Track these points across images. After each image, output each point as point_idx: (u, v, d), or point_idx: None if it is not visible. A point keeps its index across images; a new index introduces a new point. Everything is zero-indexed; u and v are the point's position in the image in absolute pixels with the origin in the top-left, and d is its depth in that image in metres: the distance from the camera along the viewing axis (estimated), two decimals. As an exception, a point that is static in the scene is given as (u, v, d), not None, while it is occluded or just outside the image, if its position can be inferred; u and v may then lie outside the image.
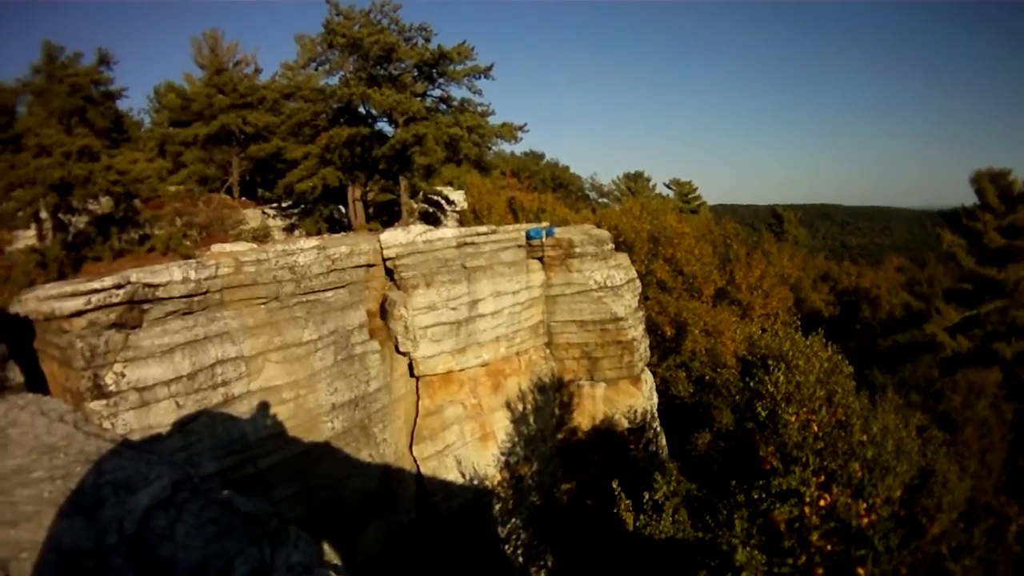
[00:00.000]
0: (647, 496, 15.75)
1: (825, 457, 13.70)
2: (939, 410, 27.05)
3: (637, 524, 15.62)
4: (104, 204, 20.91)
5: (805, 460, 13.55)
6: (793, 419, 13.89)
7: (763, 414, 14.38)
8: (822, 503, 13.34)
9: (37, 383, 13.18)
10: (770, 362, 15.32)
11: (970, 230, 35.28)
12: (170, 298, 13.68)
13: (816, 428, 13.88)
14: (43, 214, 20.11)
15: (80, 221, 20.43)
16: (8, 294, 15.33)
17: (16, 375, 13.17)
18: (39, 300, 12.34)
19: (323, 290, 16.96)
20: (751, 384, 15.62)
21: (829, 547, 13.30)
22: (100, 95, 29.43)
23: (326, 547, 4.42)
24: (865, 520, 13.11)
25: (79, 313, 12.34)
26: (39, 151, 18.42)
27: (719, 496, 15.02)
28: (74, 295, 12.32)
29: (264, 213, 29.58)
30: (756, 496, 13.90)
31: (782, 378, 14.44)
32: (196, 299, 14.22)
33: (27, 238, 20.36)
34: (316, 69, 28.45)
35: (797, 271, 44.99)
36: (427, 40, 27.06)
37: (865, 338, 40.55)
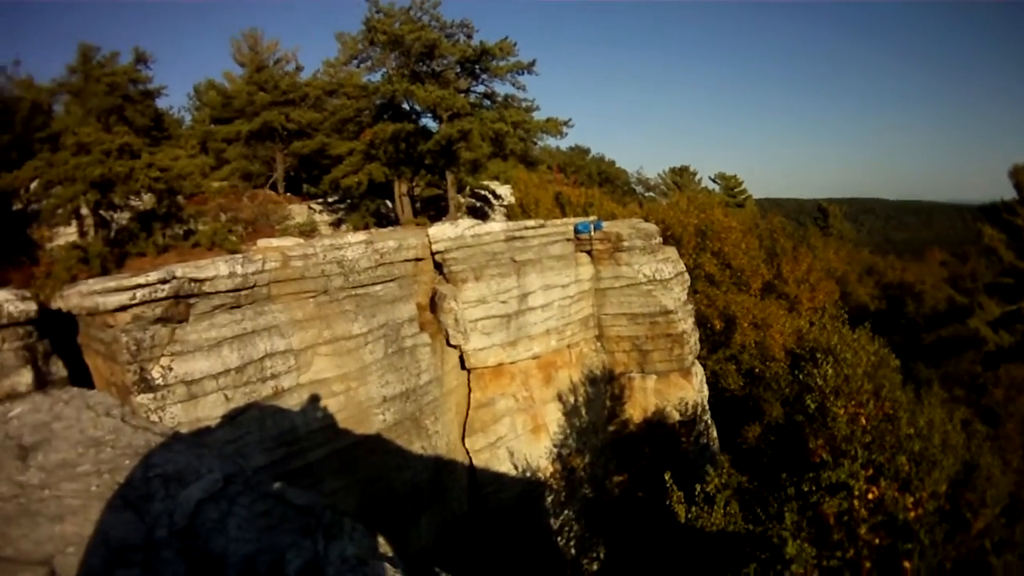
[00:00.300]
0: (699, 488, 15.62)
1: (873, 450, 13.56)
2: (982, 404, 26.71)
3: (689, 516, 15.50)
4: (147, 200, 21.03)
5: (854, 453, 13.40)
6: (842, 412, 13.77)
7: (812, 407, 14.27)
8: (870, 496, 13.18)
9: (81, 378, 13.20)
10: (818, 355, 15.14)
11: (1010, 224, 34.79)
12: (216, 292, 13.63)
13: (864, 421, 13.76)
14: (84, 211, 20.21)
15: (122, 217, 20.55)
16: (50, 290, 15.39)
17: (59, 370, 13.15)
18: (82, 295, 12.38)
19: (372, 284, 16.92)
20: (800, 377, 15.46)
21: (877, 540, 13.13)
22: (138, 94, 29.80)
23: (380, 539, 4.34)
24: (912, 514, 12.94)
25: (123, 308, 12.32)
26: (78, 149, 18.52)
27: (769, 489, 14.91)
28: (118, 290, 12.30)
29: (310, 208, 29.73)
30: (806, 489, 13.76)
31: (831, 371, 14.31)
32: (243, 293, 14.20)
33: (67, 235, 20.48)
34: (358, 66, 28.54)
35: (843, 265, 44.61)
36: (468, 36, 27.04)
37: (910, 332, 40.08)
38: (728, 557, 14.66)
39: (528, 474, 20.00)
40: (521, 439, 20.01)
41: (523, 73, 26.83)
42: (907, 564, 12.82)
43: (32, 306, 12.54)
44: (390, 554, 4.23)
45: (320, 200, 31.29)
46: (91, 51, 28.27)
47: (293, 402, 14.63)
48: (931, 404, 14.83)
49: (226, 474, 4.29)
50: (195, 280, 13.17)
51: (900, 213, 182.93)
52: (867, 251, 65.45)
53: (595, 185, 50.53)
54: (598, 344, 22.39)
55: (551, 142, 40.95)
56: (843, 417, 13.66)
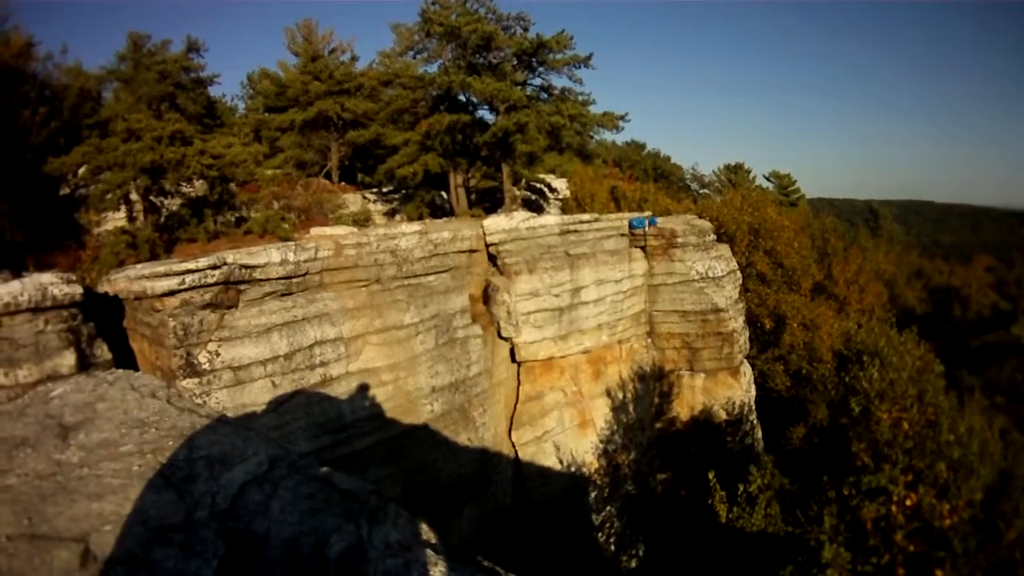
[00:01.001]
0: (742, 488, 15.67)
1: (914, 456, 13.38)
2: (1021, 413, 26.27)
3: (730, 516, 15.57)
4: (198, 187, 21.16)
5: (895, 458, 13.26)
6: (885, 416, 13.64)
7: (856, 410, 14.12)
8: (908, 503, 13.02)
9: (126, 362, 13.31)
10: (865, 358, 15.05)
11: (1058, 232, 34.11)
12: (268, 279, 13.83)
13: (907, 426, 13.59)
14: (133, 196, 20.35)
15: (173, 204, 20.69)
16: (96, 274, 15.54)
17: (103, 353, 13.26)
18: (130, 279, 12.61)
19: (425, 274, 17.05)
20: (846, 379, 15.34)
21: (912, 547, 12.98)
22: (190, 81, 30.21)
23: (424, 526, 4.35)
24: (948, 522, 12.77)
25: (172, 292, 12.52)
26: (128, 135, 18.67)
27: (810, 491, 14.85)
28: (167, 275, 12.50)
29: (364, 198, 29.76)
30: (846, 493, 13.66)
31: (876, 375, 14.26)
32: (295, 280, 14.39)
33: (116, 220, 20.55)
34: (414, 57, 28.52)
35: (892, 267, 44.16)
36: (525, 29, 26.92)
37: (955, 337, 39.55)
38: (765, 559, 14.65)
39: (573, 469, 20.07)
40: (568, 433, 20.07)
41: (580, 67, 26.69)
42: (939, 572, 12.69)
43: (77, 289, 12.72)
44: (434, 541, 4.24)
45: (374, 190, 31.41)
46: (141, 39, 28.70)
47: (341, 390, 14.80)
48: (972, 411, 14.64)
49: (271, 457, 4.33)
50: (246, 267, 13.39)
51: (948, 216, 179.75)
52: (915, 254, 64.49)
53: (650, 180, 49.97)
54: (648, 340, 22.36)
55: (607, 136, 40.89)
56: (886, 421, 13.56)
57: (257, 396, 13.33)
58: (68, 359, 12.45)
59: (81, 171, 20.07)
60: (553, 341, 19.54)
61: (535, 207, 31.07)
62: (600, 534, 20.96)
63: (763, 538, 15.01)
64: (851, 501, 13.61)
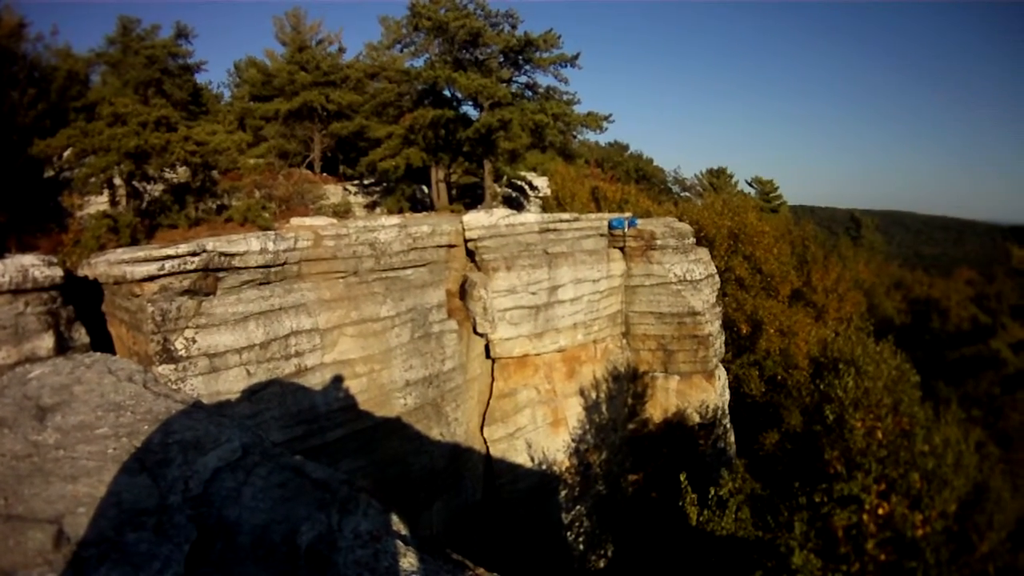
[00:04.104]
0: (712, 492, 15.66)
1: (887, 465, 13.39)
2: (998, 427, 26.49)
3: (700, 519, 15.55)
4: (181, 174, 21.08)
5: (868, 467, 13.28)
6: (859, 425, 13.63)
7: (831, 418, 14.11)
8: (880, 511, 13.05)
9: (103, 346, 13.31)
10: (841, 366, 15.03)
11: (1041, 248, 34.35)
12: (246, 268, 13.83)
13: (881, 435, 13.57)
14: (116, 181, 20.27)
15: (155, 189, 20.59)
16: (77, 257, 15.49)
17: (81, 336, 13.29)
18: (110, 264, 12.58)
19: (403, 268, 17.08)
20: (821, 387, 15.33)
21: (883, 556, 13.02)
22: (178, 68, 30.18)
23: (394, 517, 4.36)
24: (920, 532, 12.81)
25: (151, 278, 12.51)
26: (114, 120, 18.57)
27: (781, 497, 14.83)
28: (147, 260, 12.49)
29: (345, 189, 29.74)
30: (818, 500, 13.65)
31: (851, 383, 14.21)
32: (273, 270, 14.39)
33: (99, 204, 20.48)
34: (401, 51, 28.51)
35: (872, 277, 44.44)
36: (513, 27, 26.89)
37: (933, 348, 39.77)
38: (735, 563, 14.69)
39: (544, 467, 20.10)
40: (540, 431, 20.09)
41: (566, 66, 26.70)
42: (910, 582, 12.78)
43: (58, 272, 12.71)
44: (404, 532, 4.25)
45: (356, 182, 31.34)
46: (131, 23, 28.58)
47: (315, 381, 14.79)
48: (948, 423, 14.63)
49: (244, 444, 4.35)
50: (226, 254, 13.37)
51: (930, 228, 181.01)
52: (896, 264, 64.93)
53: (632, 182, 50.21)
54: (624, 341, 22.40)
55: (590, 136, 40.92)
56: (860, 430, 13.54)
57: (232, 384, 13.31)
58: (47, 341, 12.46)
59: (66, 154, 19.98)
60: (528, 339, 19.55)
61: (516, 204, 31.12)
62: (569, 533, 20.98)
63: (733, 542, 15.04)
64: (822, 508, 13.60)
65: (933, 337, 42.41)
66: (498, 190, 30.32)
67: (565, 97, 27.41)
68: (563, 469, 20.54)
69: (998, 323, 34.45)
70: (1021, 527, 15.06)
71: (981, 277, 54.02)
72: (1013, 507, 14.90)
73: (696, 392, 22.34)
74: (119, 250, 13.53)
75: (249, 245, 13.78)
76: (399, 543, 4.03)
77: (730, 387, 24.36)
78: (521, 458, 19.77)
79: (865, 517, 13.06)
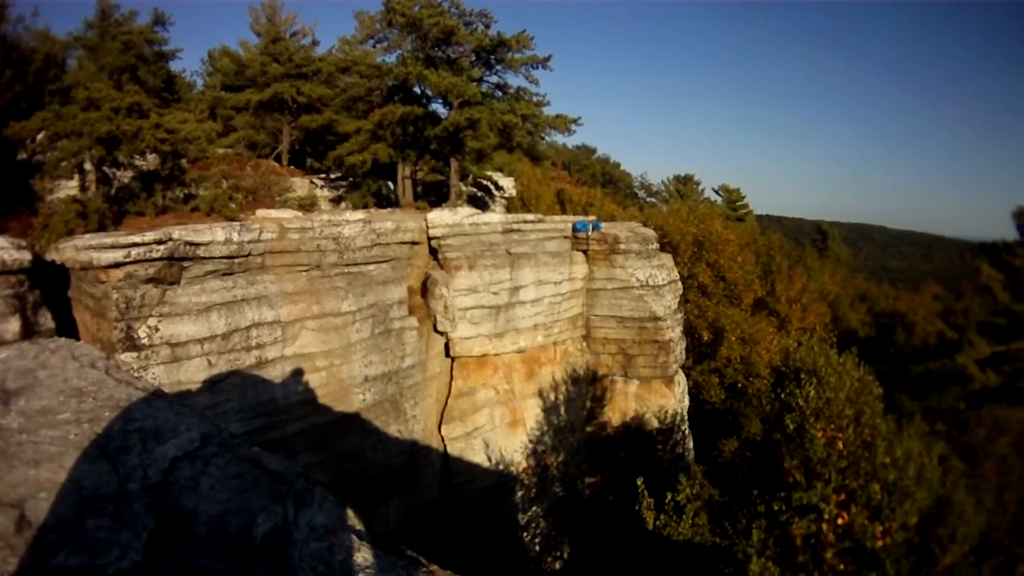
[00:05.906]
0: (670, 497, 15.70)
1: (847, 475, 13.48)
2: (962, 442, 26.72)
3: (657, 524, 15.56)
4: (150, 161, 21.04)
5: (828, 477, 13.36)
6: (820, 435, 13.68)
7: (791, 427, 14.11)
8: (840, 521, 13.15)
9: (68, 331, 13.13)
10: (803, 376, 15.06)
11: (1008, 265, 34.55)
12: (211, 258, 13.69)
13: (841, 446, 13.65)
14: (87, 166, 20.20)
15: (125, 176, 20.53)
16: (45, 241, 15.45)
17: (47, 321, 13.11)
18: (77, 249, 12.42)
19: (366, 263, 16.97)
20: (782, 396, 15.35)
21: (842, 566, 13.13)
22: (153, 54, 30.11)
23: (350, 512, 4.35)
24: (880, 543, 12.91)
25: (117, 265, 12.35)
26: (88, 104, 18.52)
27: (740, 504, 14.89)
28: (114, 247, 12.33)
29: (312, 183, 29.69)
30: (776, 508, 13.75)
31: (813, 393, 14.21)
32: (237, 261, 14.24)
33: (69, 188, 20.45)
34: (374, 46, 28.56)
35: (837, 288, 44.70)
36: (487, 26, 27.02)
37: (897, 362, 40.07)
38: (692, 568, 14.74)
39: (501, 467, 20.07)
40: (498, 431, 20.07)
41: (537, 67, 26.83)
42: (870, 593, 12.87)
43: (26, 255, 12.54)
44: (359, 527, 4.23)
45: (323, 176, 31.26)
46: (110, 8, 28.40)
47: (275, 374, 14.65)
48: (910, 436, 14.69)
49: (203, 434, 4.26)
50: (191, 243, 13.21)
51: (899, 243, 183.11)
52: (862, 277, 65.56)
53: (598, 185, 50.33)
54: (584, 344, 22.43)
55: (558, 139, 41.05)
56: (820, 440, 13.58)
57: (193, 374, 13.17)
58: (13, 325, 12.25)
59: (39, 137, 19.92)
60: (488, 338, 19.52)
61: (481, 204, 31.17)
62: (526, 534, 20.97)
63: (690, 547, 15.06)
64: (781, 516, 13.67)
65: (898, 351, 42.69)
66: (464, 189, 30.38)
67: (535, 98, 27.55)
68: (520, 470, 20.53)
69: (965, 339, 34.68)
70: (984, 541, 15.27)
71: (948, 293, 54.61)
72: (977, 521, 15.07)
73: (655, 397, 22.40)
74: (87, 236, 13.39)
75: (214, 235, 13.64)
76: (354, 538, 3.98)
77: (690, 393, 24.43)
78: (479, 458, 19.73)
79: (824, 526, 13.16)
